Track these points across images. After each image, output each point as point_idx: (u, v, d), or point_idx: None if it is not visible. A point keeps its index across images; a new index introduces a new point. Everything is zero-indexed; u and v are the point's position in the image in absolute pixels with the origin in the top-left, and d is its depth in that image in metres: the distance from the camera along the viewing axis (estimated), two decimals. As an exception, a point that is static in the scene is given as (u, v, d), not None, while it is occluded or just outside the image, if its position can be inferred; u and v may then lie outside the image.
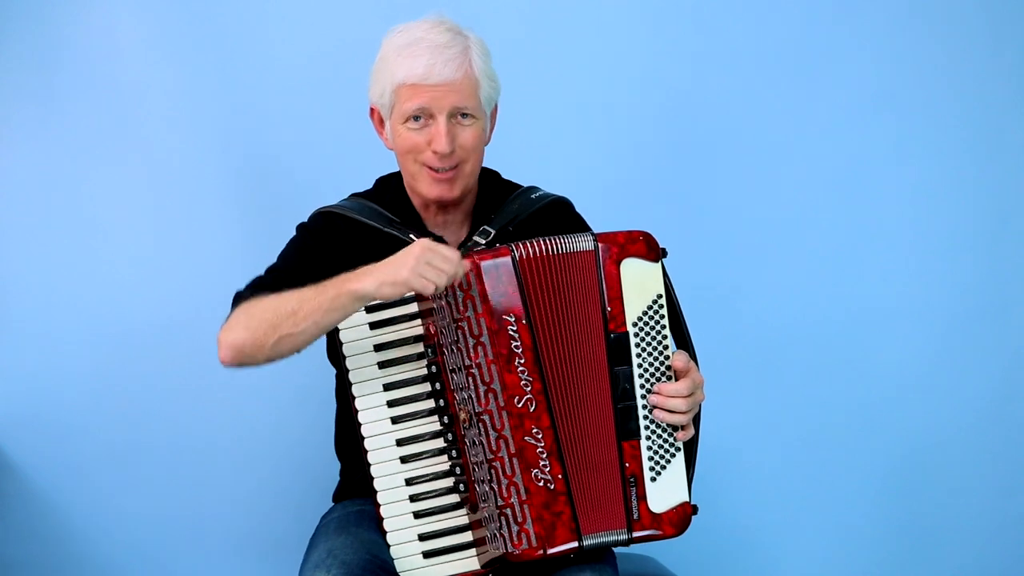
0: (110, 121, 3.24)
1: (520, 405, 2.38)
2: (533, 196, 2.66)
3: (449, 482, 2.46)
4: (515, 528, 2.39)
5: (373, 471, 2.47)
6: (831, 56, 3.39)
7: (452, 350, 2.39)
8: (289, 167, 3.28)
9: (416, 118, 2.49)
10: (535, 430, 2.38)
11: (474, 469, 2.42)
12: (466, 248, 2.53)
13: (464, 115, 2.51)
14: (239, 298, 2.51)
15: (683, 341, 2.53)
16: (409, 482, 2.46)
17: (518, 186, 2.69)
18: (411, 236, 2.54)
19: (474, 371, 2.38)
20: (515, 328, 2.38)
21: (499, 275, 2.37)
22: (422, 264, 2.29)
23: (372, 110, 2.60)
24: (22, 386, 3.26)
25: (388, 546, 2.47)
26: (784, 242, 3.41)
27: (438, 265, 2.30)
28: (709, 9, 3.36)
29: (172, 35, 3.22)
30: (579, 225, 2.68)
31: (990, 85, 3.41)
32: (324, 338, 2.56)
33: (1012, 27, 3.40)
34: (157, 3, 3.22)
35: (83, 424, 3.27)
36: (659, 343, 2.44)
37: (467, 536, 2.47)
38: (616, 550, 2.59)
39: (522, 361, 2.38)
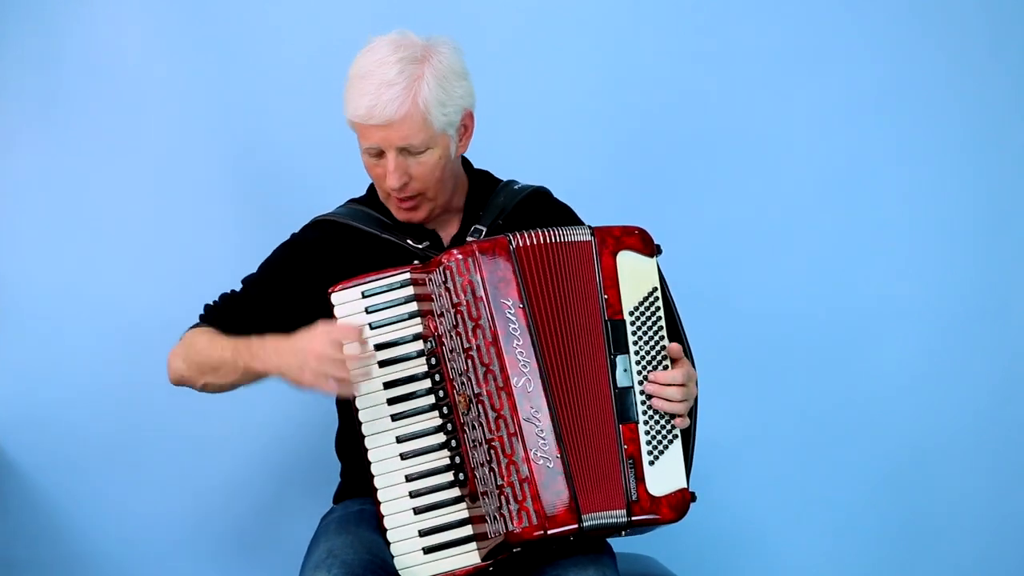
0: (112, 121, 3.29)
1: (518, 385, 2.41)
2: (515, 187, 2.73)
3: (449, 476, 2.47)
4: (515, 507, 2.38)
5: (373, 468, 2.48)
6: (829, 55, 3.45)
7: (451, 336, 2.44)
8: (291, 167, 3.32)
9: (370, 152, 2.56)
10: (533, 410, 2.40)
11: (474, 455, 2.43)
12: (459, 244, 2.60)
13: (414, 149, 2.54)
14: (204, 314, 2.66)
15: (678, 339, 2.55)
16: (409, 478, 2.47)
17: (500, 181, 2.76)
18: (408, 241, 2.63)
19: (473, 353, 2.42)
20: (512, 311, 2.43)
21: (496, 261, 2.44)
22: (321, 371, 2.37)
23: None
24: (23, 386, 3.25)
25: (388, 544, 2.45)
26: (783, 242, 3.43)
27: (336, 373, 2.36)
28: (706, 8, 3.42)
29: (174, 34, 3.30)
30: (564, 211, 2.76)
31: (990, 85, 3.46)
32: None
33: (1012, 27, 3.46)
34: (159, 2, 3.30)
35: (84, 424, 3.25)
36: (656, 332, 2.48)
37: (467, 530, 2.46)
38: (616, 550, 2.56)
39: (520, 343, 2.42)
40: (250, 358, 2.50)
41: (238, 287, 2.69)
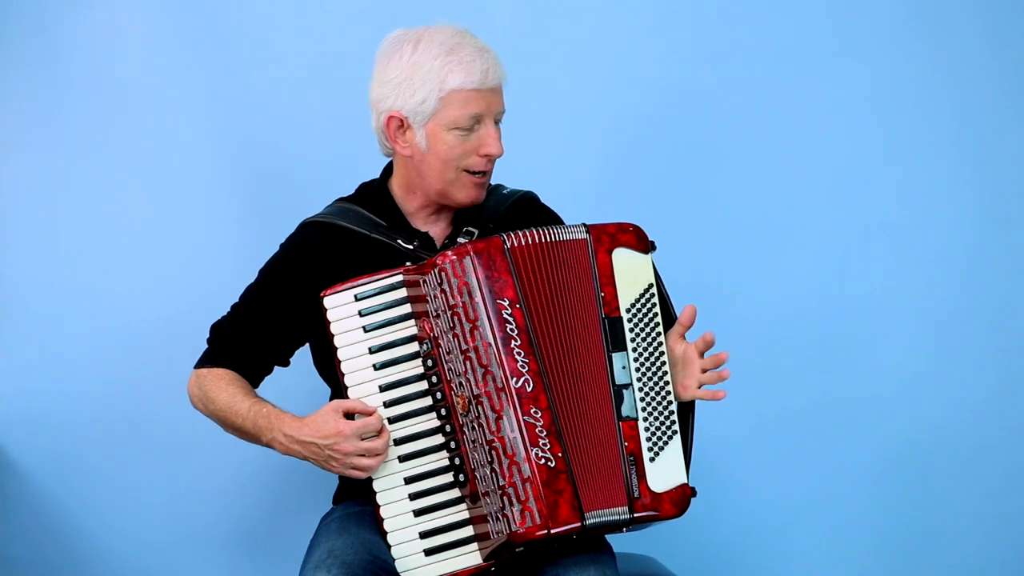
0: (113, 121, 3.29)
1: (517, 386, 2.40)
2: (504, 192, 2.73)
3: (448, 477, 2.46)
4: (517, 507, 2.37)
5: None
6: (829, 54, 3.44)
7: (448, 337, 2.43)
8: (290, 167, 3.32)
9: (464, 125, 2.53)
10: (533, 410, 2.39)
11: (474, 455, 2.42)
12: (452, 245, 2.58)
13: (498, 118, 2.58)
14: (211, 339, 2.69)
15: (673, 336, 2.56)
16: (408, 481, 2.47)
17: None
18: (398, 241, 2.61)
19: (471, 355, 2.41)
20: (509, 311, 2.42)
21: (492, 261, 2.43)
22: (348, 463, 2.44)
23: (390, 119, 2.56)
24: (24, 385, 3.25)
25: (388, 546, 2.45)
26: (782, 241, 3.44)
27: (361, 463, 2.43)
28: (705, 7, 3.43)
29: (175, 35, 3.30)
30: (551, 217, 2.76)
31: (989, 84, 3.47)
32: (310, 352, 2.72)
33: (1010, 27, 3.47)
34: (160, 3, 3.30)
35: (84, 423, 3.25)
36: (653, 328, 2.49)
37: (468, 531, 2.46)
38: (616, 549, 2.57)
39: (517, 343, 2.41)
40: (269, 438, 2.53)
41: (237, 285, 2.70)
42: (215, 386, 2.62)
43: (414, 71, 2.53)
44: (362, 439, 2.43)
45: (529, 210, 2.73)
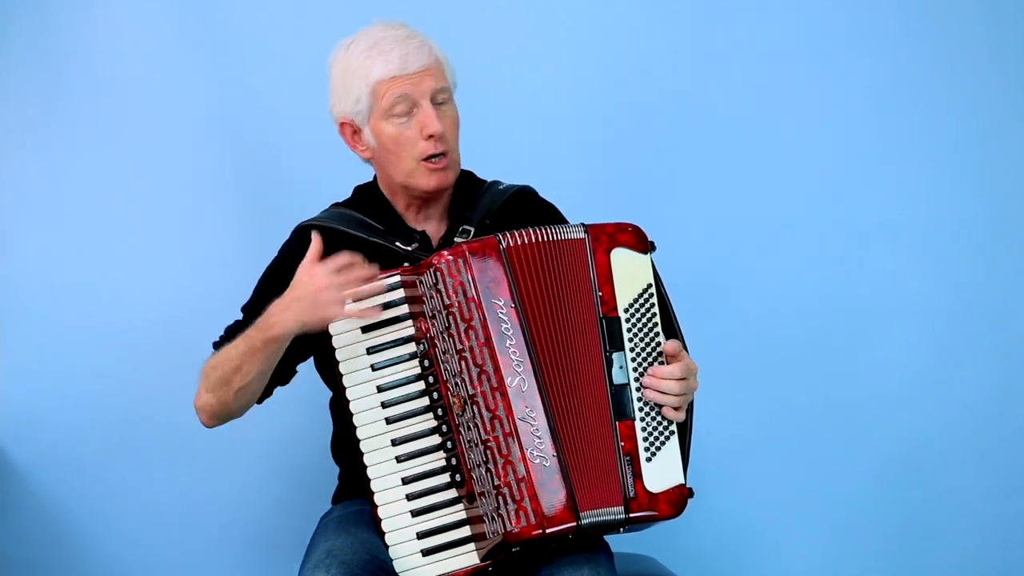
0: (112, 122, 3.30)
1: (513, 385, 2.40)
2: (500, 188, 2.73)
3: (446, 478, 2.46)
4: (512, 507, 2.37)
5: (369, 472, 2.48)
6: (828, 54, 3.45)
7: (444, 337, 2.43)
8: (289, 167, 3.33)
9: (400, 111, 2.56)
10: (529, 409, 2.39)
11: (470, 455, 2.42)
12: (447, 246, 2.58)
13: (441, 97, 2.58)
14: (215, 349, 2.66)
15: (674, 335, 2.55)
16: (405, 481, 2.47)
17: (483, 181, 2.75)
18: (397, 244, 2.62)
19: (466, 354, 2.41)
20: (504, 311, 2.42)
21: (486, 261, 2.43)
22: (334, 298, 2.41)
23: (342, 125, 2.64)
24: (24, 385, 3.26)
25: (386, 547, 2.45)
26: (781, 240, 3.43)
27: (346, 292, 2.41)
28: (705, 6, 3.43)
29: (175, 35, 3.31)
30: (549, 210, 2.75)
31: (989, 84, 3.47)
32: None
33: (1010, 27, 3.47)
34: (160, 3, 3.31)
35: (84, 423, 3.27)
36: (651, 329, 2.48)
37: (465, 531, 2.46)
38: (615, 549, 2.56)
39: (512, 343, 2.41)
40: (266, 331, 2.47)
41: (237, 285, 2.70)
42: (207, 365, 2.59)
43: (346, 73, 2.59)
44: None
45: (527, 204, 2.74)
